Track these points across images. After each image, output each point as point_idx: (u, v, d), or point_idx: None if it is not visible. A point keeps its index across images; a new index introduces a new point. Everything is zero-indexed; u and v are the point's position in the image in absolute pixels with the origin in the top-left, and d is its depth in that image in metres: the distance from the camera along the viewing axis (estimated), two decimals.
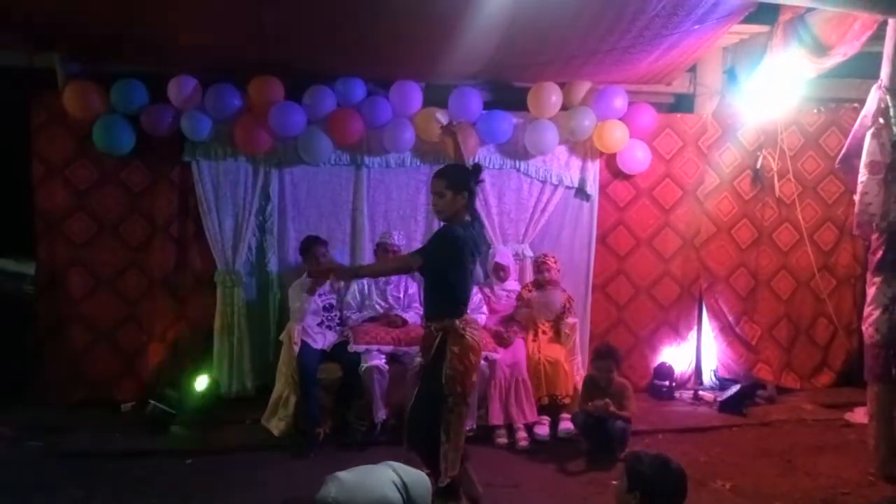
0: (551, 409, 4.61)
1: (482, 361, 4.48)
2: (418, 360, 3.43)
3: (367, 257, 5.18)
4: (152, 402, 4.65)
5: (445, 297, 3.34)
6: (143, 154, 4.97)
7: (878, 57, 3.91)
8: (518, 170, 5.34)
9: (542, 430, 4.52)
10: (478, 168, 3.40)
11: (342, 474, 2.00)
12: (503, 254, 5.13)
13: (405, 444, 3.43)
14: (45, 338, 5.02)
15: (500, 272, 5.07)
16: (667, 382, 5.41)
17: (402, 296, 4.91)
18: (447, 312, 3.31)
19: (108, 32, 4.32)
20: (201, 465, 4.08)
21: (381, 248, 4.87)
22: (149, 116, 4.80)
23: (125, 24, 4.18)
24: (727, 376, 5.52)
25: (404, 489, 1.99)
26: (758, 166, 5.51)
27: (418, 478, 2.06)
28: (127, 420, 4.75)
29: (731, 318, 5.58)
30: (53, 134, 4.93)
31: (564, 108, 5.18)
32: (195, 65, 4.73)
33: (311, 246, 4.74)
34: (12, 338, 5.09)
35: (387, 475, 2.02)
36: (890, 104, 3.79)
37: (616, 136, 5.17)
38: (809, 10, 4.14)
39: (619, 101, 5.13)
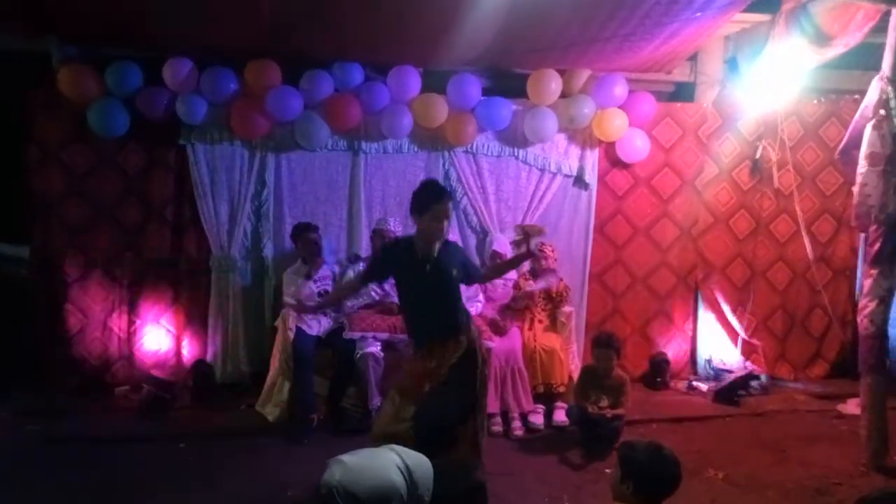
0: (546, 397, 4.62)
1: None
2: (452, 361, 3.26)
3: (363, 244, 5.17)
4: (146, 386, 4.66)
5: (463, 306, 3.38)
6: (138, 137, 4.94)
7: (879, 48, 3.88)
8: (516, 157, 5.31)
9: (537, 418, 4.52)
10: None
11: (346, 457, 2.00)
12: (500, 242, 5.12)
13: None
14: (41, 321, 5.00)
15: (497, 260, 5.05)
16: (661, 372, 5.42)
17: None
18: (469, 319, 3.36)
19: (104, 15, 4.26)
20: (195, 450, 4.09)
21: (378, 235, 4.85)
22: (144, 99, 4.76)
23: (120, 7, 4.13)
24: (722, 366, 5.53)
25: (407, 472, 2.00)
26: (757, 156, 5.50)
27: (420, 461, 2.07)
28: (121, 404, 4.75)
29: (726, 309, 5.58)
30: (49, 117, 4.89)
31: (564, 95, 5.15)
32: (191, 48, 4.68)
33: (302, 232, 4.73)
34: (7, 321, 5.07)
35: (390, 458, 2.02)
36: (891, 95, 3.76)
37: (615, 124, 5.15)
38: None
39: (619, 90, 5.10)
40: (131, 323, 5.09)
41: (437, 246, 3.23)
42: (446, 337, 3.25)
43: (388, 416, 3.22)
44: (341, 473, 1.93)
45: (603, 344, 4.35)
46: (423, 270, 3.22)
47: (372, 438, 3.19)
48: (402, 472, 1.99)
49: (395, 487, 1.95)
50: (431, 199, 3.12)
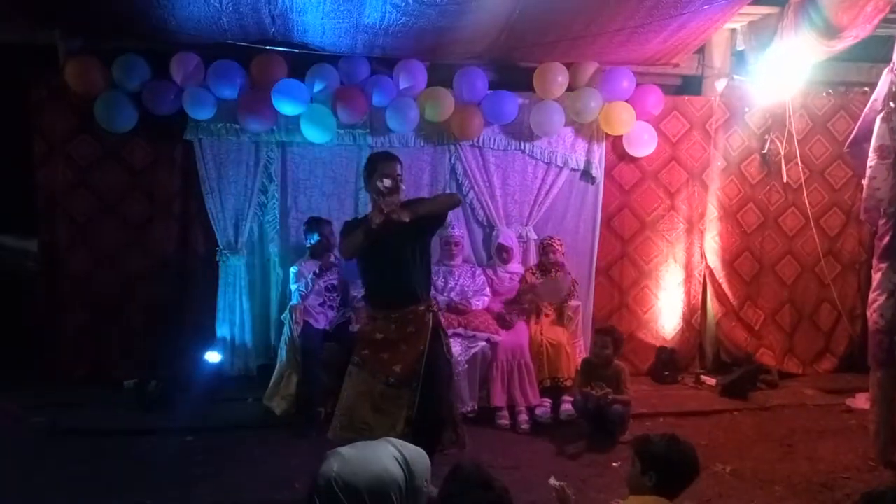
0: (553, 391, 4.62)
1: (485, 343, 4.51)
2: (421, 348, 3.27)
3: None
4: (153, 379, 4.67)
5: (429, 272, 3.47)
6: (144, 131, 4.94)
7: (889, 40, 3.86)
8: (523, 151, 5.29)
9: (544, 411, 4.53)
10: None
11: (344, 450, 2.02)
12: (507, 235, 5.11)
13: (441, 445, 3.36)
14: (47, 314, 5.02)
15: (503, 254, 5.05)
16: (669, 366, 5.40)
17: None
18: (429, 294, 3.40)
19: (110, 8, 4.26)
20: (202, 443, 4.10)
21: None
22: (151, 93, 4.76)
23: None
24: (729, 360, 5.52)
25: (405, 465, 2.01)
26: (765, 150, 5.47)
27: (418, 454, 2.08)
28: (129, 397, 4.76)
29: (734, 303, 5.56)
30: (55, 110, 4.90)
31: (571, 88, 5.12)
32: (198, 41, 4.68)
33: (318, 226, 4.73)
34: (15, 314, 5.09)
35: (388, 451, 2.04)
36: None
37: (622, 117, 5.12)
38: None
39: (626, 83, 5.08)
40: (139, 316, 5.09)
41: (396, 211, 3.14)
42: (404, 303, 3.27)
43: (351, 393, 3.30)
44: (339, 465, 1.94)
45: (600, 331, 4.45)
46: (379, 235, 3.17)
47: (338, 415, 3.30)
48: (399, 463, 2.00)
49: (393, 479, 1.96)
50: (377, 159, 3.31)
